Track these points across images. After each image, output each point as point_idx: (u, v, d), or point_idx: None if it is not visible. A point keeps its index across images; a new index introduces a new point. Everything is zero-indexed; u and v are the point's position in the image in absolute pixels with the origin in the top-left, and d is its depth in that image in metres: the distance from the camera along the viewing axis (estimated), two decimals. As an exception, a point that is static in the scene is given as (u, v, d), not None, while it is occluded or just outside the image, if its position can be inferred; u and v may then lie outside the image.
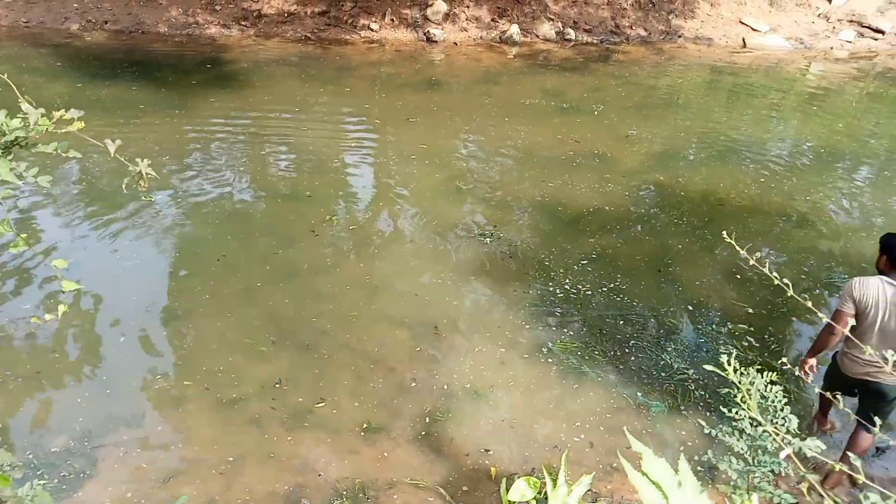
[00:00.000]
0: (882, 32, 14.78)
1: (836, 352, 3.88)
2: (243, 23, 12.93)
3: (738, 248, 2.11)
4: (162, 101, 9.31)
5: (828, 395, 2.30)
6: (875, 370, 3.56)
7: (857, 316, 3.52)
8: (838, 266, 6.19)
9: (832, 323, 3.36)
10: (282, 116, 9.19)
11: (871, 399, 3.68)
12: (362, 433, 4.12)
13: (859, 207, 7.63)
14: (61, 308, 2.16)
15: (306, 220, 6.52)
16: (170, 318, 5.06)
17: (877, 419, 1.71)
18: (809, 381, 3.86)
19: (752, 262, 2.09)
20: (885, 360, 1.79)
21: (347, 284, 5.56)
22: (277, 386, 4.44)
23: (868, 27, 14.86)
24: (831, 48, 14.39)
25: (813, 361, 3.80)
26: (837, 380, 3.78)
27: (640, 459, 1.32)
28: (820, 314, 2.10)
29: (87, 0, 13.06)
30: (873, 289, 3.51)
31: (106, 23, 12.64)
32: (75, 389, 4.36)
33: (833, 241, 6.65)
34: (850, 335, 3.42)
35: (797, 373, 2.96)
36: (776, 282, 1.95)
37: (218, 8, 13.12)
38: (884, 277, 3.54)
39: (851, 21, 14.94)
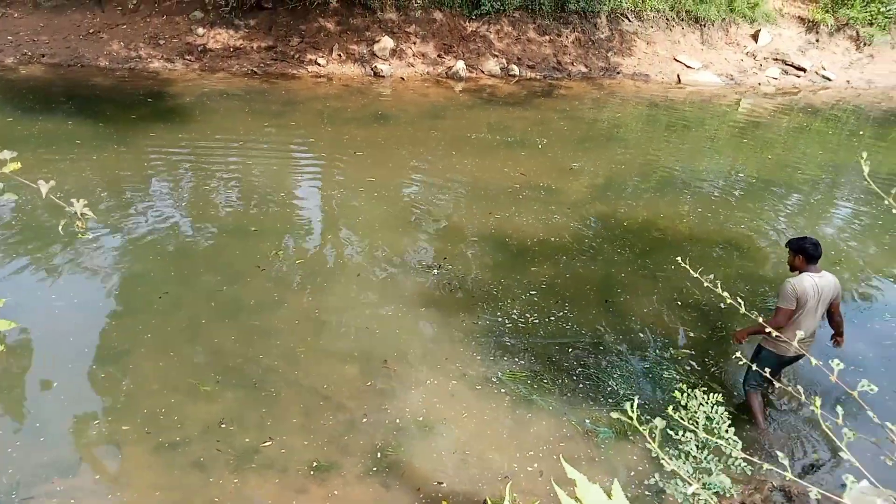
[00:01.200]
0: (804, 70, 15.70)
1: (762, 344, 4.59)
2: (188, 57, 12.81)
3: (693, 272, 2.20)
4: (100, 136, 9.09)
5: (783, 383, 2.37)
6: (806, 346, 4.39)
7: (796, 308, 4.28)
8: (773, 290, 6.44)
9: (781, 313, 4.27)
10: (226, 150, 9.09)
11: (789, 363, 4.60)
12: (312, 472, 4.03)
13: (791, 233, 7.99)
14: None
15: (252, 254, 6.42)
16: (108, 358, 4.88)
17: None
18: (739, 344, 4.85)
19: (706, 284, 2.18)
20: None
21: (295, 319, 5.48)
22: (222, 426, 4.31)
23: (791, 65, 15.77)
24: (759, 84, 15.19)
25: (743, 337, 4.63)
26: (772, 364, 4.47)
27: (574, 486, 1.34)
28: (764, 324, 2.20)
29: (23, 33, 12.74)
30: (808, 285, 4.29)
31: (43, 56, 12.32)
32: (5, 437, 4.14)
33: (767, 267, 6.94)
34: (787, 325, 4.26)
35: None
36: (727, 302, 2.03)
37: (161, 42, 12.98)
38: (809, 273, 4.34)
39: (776, 59, 15.83)
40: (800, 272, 4.39)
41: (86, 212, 2.83)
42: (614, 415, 2.09)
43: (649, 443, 2.09)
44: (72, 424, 4.26)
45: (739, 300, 2.09)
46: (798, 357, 4.47)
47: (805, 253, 4.37)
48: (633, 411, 1.87)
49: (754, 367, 3.86)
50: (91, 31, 12.92)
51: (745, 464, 2.47)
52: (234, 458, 4.08)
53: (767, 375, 2.73)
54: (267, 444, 4.20)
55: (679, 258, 2.74)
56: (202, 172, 8.33)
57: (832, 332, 4.72)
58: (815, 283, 4.31)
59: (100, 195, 7.40)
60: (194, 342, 5.11)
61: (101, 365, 4.81)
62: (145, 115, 10.12)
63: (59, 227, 2.67)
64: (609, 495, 2.04)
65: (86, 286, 5.79)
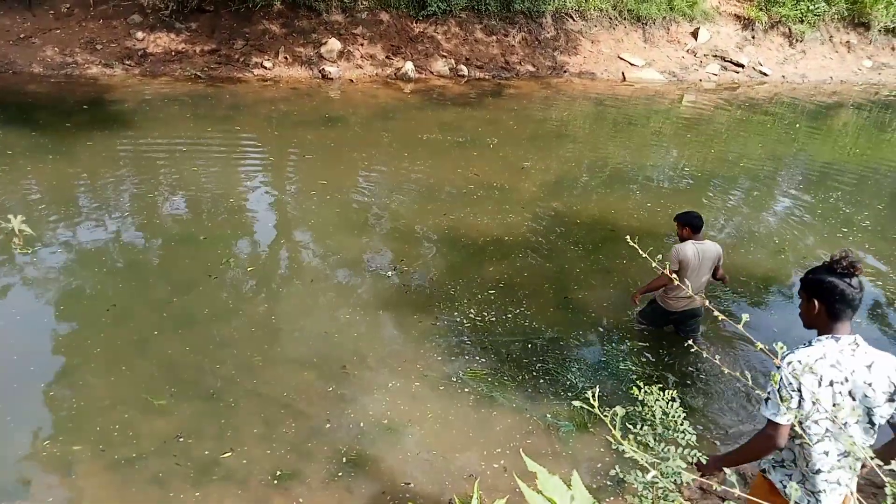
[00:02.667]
0: (742, 66, 16.28)
1: (654, 299, 5.49)
2: (127, 62, 12.45)
3: (641, 251, 2.26)
4: (33, 146, 8.75)
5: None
6: (690, 301, 5.22)
7: (680, 269, 5.05)
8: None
9: (664, 276, 4.54)
10: (171, 157, 8.88)
11: (688, 319, 5.41)
12: (274, 481, 3.98)
13: (736, 224, 8.29)
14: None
15: (202, 263, 6.30)
16: (56, 376, 4.71)
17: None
18: (636, 306, 5.54)
19: (654, 266, 2.25)
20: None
21: (251, 328, 5.40)
22: (180, 440, 4.22)
23: (730, 61, 16.33)
24: (700, 80, 15.68)
25: (638, 297, 5.40)
26: (659, 317, 5.51)
27: (535, 479, 1.38)
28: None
29: (-52, 39, 12.17)
30: (690, 251, 5.09)
31: (-30, 63, 11.79)
32: (-54, 464, 3.95)
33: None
34: (671, 285, 5.12)
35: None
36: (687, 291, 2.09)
37: (99, 47, 12.58)
38: (693, 241, 5.14)
39: (716, 56, 16.36)
40: (682, 240, 5.20)
41: (24, 228, 2.72)
42: (577, 403, 2.15)
43: (610, 430, 2.15)
44: (20, 447, 4.10)
45: (687, 283, 2.17)
46: (689, 314, 5.35)
47: (691, 224, 5.17)
48: (594, 399, 1.93)
49: (643, 318, 5.45)
50: (22, 35, 12.43)
51: (700, 454, 2.56)
52: (193, 471, 4.00)
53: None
54: (227, 455, 4.13)
55: (628, 238, 2.76)
56: (146, 181, 8.11)
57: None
58: (697, 250, 5.10)
59: (37, 208, 7.14)
60: (146, 355, 4.98)
61: (49, 383, 4.64)
62: (82, 122, 9.80)
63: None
64: (568, 486, 2.09)
65: (29, 302, 5.58)
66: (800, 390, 2.44)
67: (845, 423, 2.46)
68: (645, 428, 2.22)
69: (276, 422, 4.42)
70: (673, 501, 2.14)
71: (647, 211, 8.22)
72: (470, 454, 4.27)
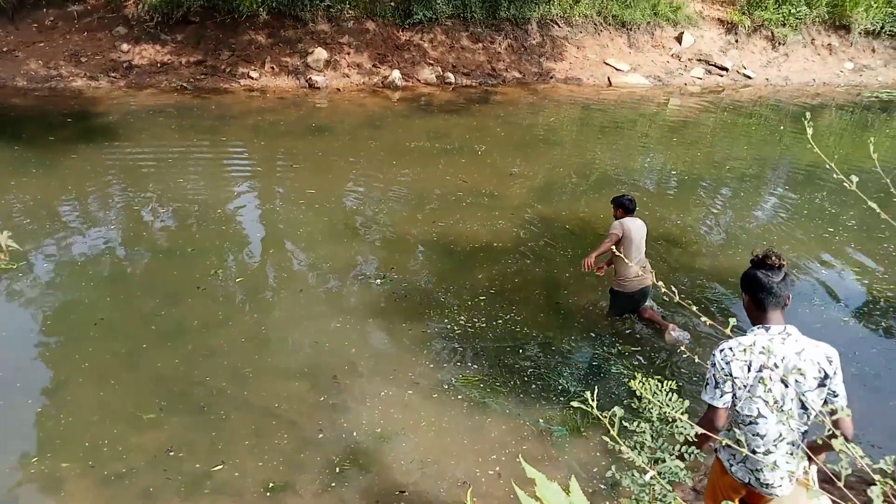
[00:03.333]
0: (726, 69, 16.43)
1: (614, 288, 5.75)
2: (112, 74, 12.39)
3: (632, 265, 2.26)
4: (16, 160, 8.67)
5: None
6: (642, 278, 5.49)
7: (624, 241, 5.43)
8: (709, 280, 6.70)
9: (611, 237, 5.42)
10: (158, 168, 8.83)
11: (643, 297, 5.72)
12: (267, 493, 3.95)
13: (722, 226, 8.34)
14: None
15: (191, 274, 6.26)
16: (43, 392, 4.66)
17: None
18: (585, 269, 5.60)
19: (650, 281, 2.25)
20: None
21: (241, 338, 5.36)
22: (170, 453, 4.18)
23: (714, 65, 16.47)
24: (685, 84, 15.80)
25: (591, 260, 5.53)
26: (625, 302, 5.73)
27: (534, 485, 1.37)
28: (699, 314, 2.30)
29: (-70, 54, 12.07)
30: (630, 223, 5.51)
31: (-47, 77, 11.70)
32: (-68, 483, 3.89)
33: (703, 259, 7.21)
34: (621, 265, 5.49)
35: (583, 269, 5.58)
36: (674, 300, 2.10)
37: (83, 59, 12.52)
38: (630, 218, 5.57)
39: (700, 60, 16.51)
40: (616, 218, 5.63)
41: (10, 243, 2.69)
42: (575, 404, 2.14)
43: (608, 430, 2.14)
44: (7, 464, 4.04)
45: (673, 289, 2.18)
46: (644, 291, 5.66)
47: (624, 206, 5.64)
48: (592, 400, 1.92)
49: (613, 308, 5.75)
50: (5, 49, 12.35)
51: (698, 451, 2.56)
52: (184, 485, 3.96)
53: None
54: (218, 468, 4.10)
55: (613, 247, 2.98)
56: (132, 193, 8.06)
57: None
58: (634, 224, 5.56)
59: (21, 222, 7.07)
60: (135, 369, 4.94)
61: (36, 399, 4.59)
62: (67, 136, 9.73)
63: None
64: (567, 492, 2.08)
65: (15, 318, 5.52)
66: (731, 375, 2.66)
67: (781, 409, 2.64)
68: (643, 425, 2.21)
69: (268, 433, 4.39)
70: (671, 502, 2.14)
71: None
72: (464, 461, 4.26)
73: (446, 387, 4.92)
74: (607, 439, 2.31)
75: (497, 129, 11.56)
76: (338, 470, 4.13)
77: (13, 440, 4.23)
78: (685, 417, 2.55)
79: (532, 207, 8.28)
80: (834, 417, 2.28)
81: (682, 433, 2.48)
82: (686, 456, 2.49)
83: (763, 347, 2.61)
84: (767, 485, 2.79)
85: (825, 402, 2.64)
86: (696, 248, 7.50)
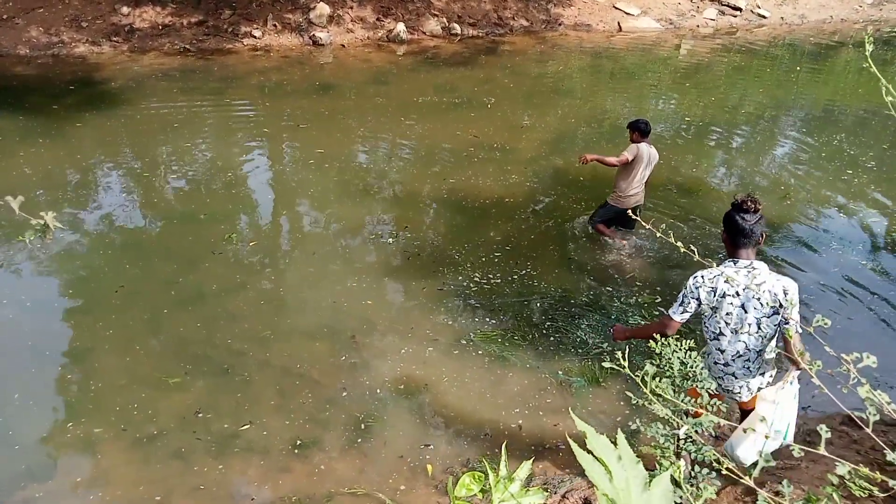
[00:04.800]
0: (739, 9, 15.99)
1: (609, 201, 6.15)
2: (114, 38, 12.26)
3: (643, 223, 2.27)
4: (22, 131, 8.65)
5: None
6: (637, 197, 6.05)
7: (634, 162, 5.84)
8: (720, 228, 6.65)
9: (622, 157, 5.84)
10: (164, 133, 8.81)
11: (635, 213, 5.94)
12: (295, 450, 4.06)
13: (739, 172, 8.26)
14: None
15: (206, 240, 6.31)
16: (72, 359, 4.77)
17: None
18: (580, 162, 6.16)
19: (658, 235, 2.26)
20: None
21: (259, 301, 5.44)
22: (199, 415, 4.29)
23: (727, 5, 16.03)
24: (697, 26, 15.42)
25: (589, 158, 6.03)
26: (615, 215, 6.17)
27: (584, 438, 1.40)
28: (711, 263, 2.32)
29: (-71, 24, 11.96)
30: (645, 149, 5.87)
31: (-46, 48, 11.62)
32: (-28, 450, 4.03)
33: (718, 206, 7.16)
34: (625, 181, 5.95)
35: (578, 163, 6.26)
36: (682, 249, 2.11)
37: (84, 24, 12.37)
38: (644, 143, 5.88)
39: (713, 0, 16.05)
40: (634, 142, 5.92)
41: (56, 223, 2.70)
42: (606, 365, 2.17)
43: (628, 380, 2.18)
44: (43, 430, 4.17)
45: (693, 248, 2.18)
46: (635, 209, 6.03)
47: (640, 130, 5.90)
48: (624, 360, 1.95)
49: (597, 216, 6.25)
50: (4, 17, 12.21)
51: (721, 403, 2.60)
52: (214, 445, 4.08)
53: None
54: (246, 427, 4.21)
55: (630, 211, 3.10)
56: (141, 159, 8.07)
57: None
58: (648, 150, 5.91)
59: (34, 193, 7.11)
60: (158, 334, 5.03)
61: (66, 367, 4.70)
62: (71, 104, 9.68)
63: (26, 239, 2.59)
64: (615, 444, 2.13)
65: (37, 288, 5.62)
66: (698, 298, 3.20)
67: (739, 328, 3.14)
68: (664, 381, 2.25)
69: (292, 393, 4.49)
70: (707, 453, 2.19)
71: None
72: (484, 414, 4.34)
73: (465, 342, 4.98)
74: (629, 394, 2.35)
75: (506, 81, 11.39)
76: (363, 426, 4.23)
77: (46, 407, 4.36)
78: (705, 373, 2.60)
79: (544, 160, 8.23)
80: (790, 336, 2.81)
81: (703, 388, 2.53)
82: (708, 409, 2.53)
83: (728, 277, 3.09)
84: (728, 391, 3.33)
85: (779, 326, 3.09)
86: (710, 194, 7.45)
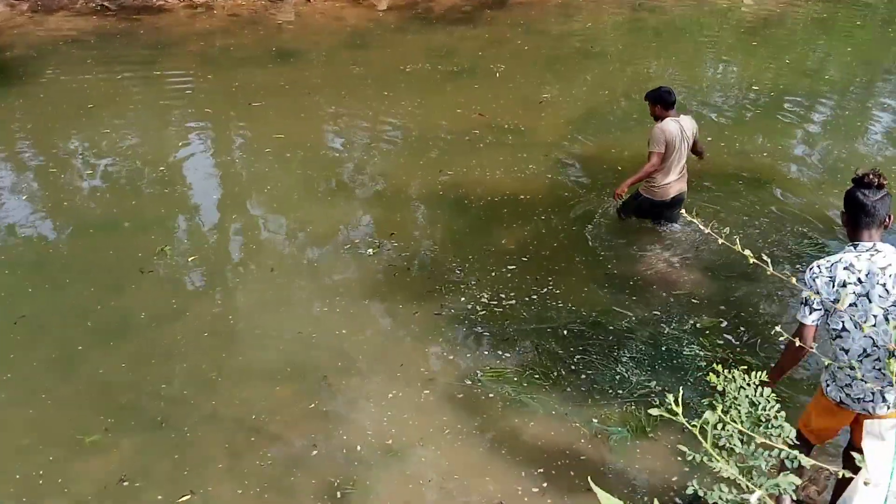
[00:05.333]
0: (820, -55, 16.09)
1: (640, 191, 6.32)
2: (9, -5, 12.33)
3: (703, 227, 2.28)
4: None
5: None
6: (679, 184, 6.21)
7: (666, 150, 5.94)
8: (805, 226, 6.67)
9: (654, 157, 5.96)
10: (77, 118, 8.85)
11: (677, 207, 6.25)
12: (250, 528, 4.06)
13: (822, 155, 8.29)
14: None
15: (132, 254, 6.32)
16: (-44, 412, 4.77)
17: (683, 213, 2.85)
18: (618, 201, 6.47)
19: (721, 241, 2.27)
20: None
21: (202, 333, 5.45)
22: (124, 483, 4.29)
23: (804, -60, 16.13)
24: (766, -31, 15.51)
25: (624, 190, 6.23)
26: (647, 210, 6.44)
27: None
28: (801, 287, 2.32)
29: None
30: (673, 128, 5.95)
31: None
32: None
33: (798, 200, 7.18)
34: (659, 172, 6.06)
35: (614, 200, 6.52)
36: (751, 261, 2.12)
37: (-31, -23, 12.44)
38: (671, 118, 5.97)
39: (784, -66, 16.16)
40: (662, 119, 6.00)
41: None
42: (653, 412, 2.17)
43: (683, 430, 2.17)
44: (-82, 505, 4.17)
45: (765, 258, 2.19)
46: (677, 199, 6.26)
47: (663, 101, 6.00)
48: (678, 405, 1.94)
49: (627, 211, 6.52)
50: None
51: (800, 453, 2.59)
52: (144, 522, 4.08)
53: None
54: (185, 498, 4.20)
55: (683, 211, 3.08)
56: (45, 151, 8.11)
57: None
58: (680, 126, 5.99)
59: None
60: (71, 378, 5.04)
61: (-52, 422, 4.70)
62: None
63: None
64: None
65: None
66: (818, 292, 3.33)
67: (863, 321, 3.28)
68: (727, 428, 2.24)
69: (246, 451, 4.49)
70: None
71: (707, 147, 8.18)
72: (500, 476, 4.34)
73: (470, 383, 4.99)
74: (685, 448, 2.35)
75: (519, 42, 11.45)
76: (339, 495, 4.22)
77: (-76, 475, 4.35)
78: (782, 417, 2.59)
79: (571, 145, 8.26)
80: None
81: (780, 436, 2.52)
82: (787, 463, 2.52)
83: (848, 263, 3.28)
84: (859, 399, 3.42)
85: None
86: (788, 186, 7.47)
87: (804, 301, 3.40)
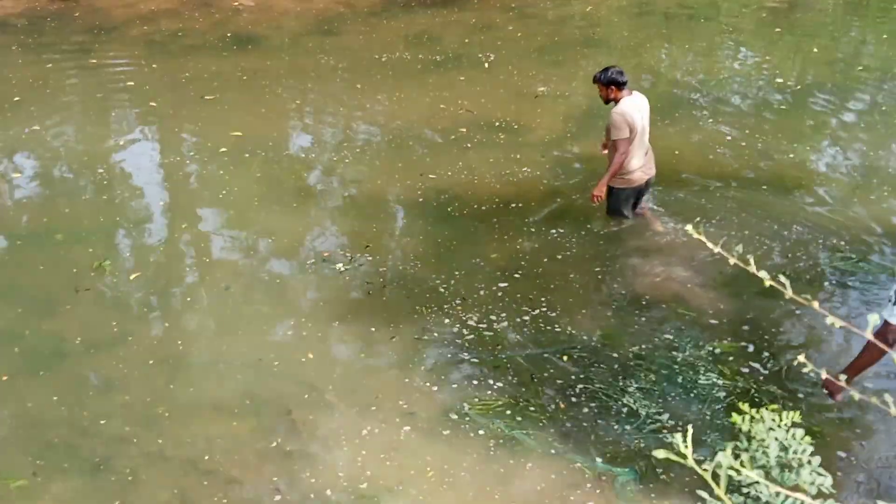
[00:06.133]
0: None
1: (614, 186, 6.61)
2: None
3: (711, 245, 2.29)
4: None
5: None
6: (649, 168, 6.68)
7: (630, 135, 6.30)
8: (837, 238, 6.72)
9: (622, 144, 6.33)
10: (6, 115, 8.81)
11: (645, 190, 6.85)
12: (202, 586, 4.04)
13: (855, 156, 8.36)
14: None
15: (65, 269, 6.30)
16: None
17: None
18: (598, 203, 6.72)
19: (732, 262, 2.28)
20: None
21: (147, 360, 5.43)
22: (56, 534, 4.26)
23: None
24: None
25: (602, 193, 6.57)
26: (626, 200, 6.74)
27: None
28: (826, 313, 2.31)
29: None
30: (632, 109, 6.34)
31: None
32: None
33: (828, 208, 7.23)
34: (628, 158, 6.42)
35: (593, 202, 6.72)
36: (766, 283, 2.13)
37: None
38: (626, 99, 6.37)
39: None
40: (617, 101, 6.40)
41: None
42: (659, 454, 2.17)
43: (694, 476, 2.18)
44: None
45: (783, 279, 2.21)
46: (648, 182, 6.76)
47: (616, 83, 6.36)
48: (686, 444, 1.95)
49: (614, 205, 6.75)
50: None
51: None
52: (79, 580, 4.06)
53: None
54: (128, 552, 4.19)
55: (690, 226, 2.90)
56: (-30, 150, 8.07)
57: None
58: (637, 105, 6.43)
59: None
60: (-6, 413, 5.01)
61: None
62: None
63: None
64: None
65: None
66: None
67: None
68: (751, 468, 2.26)
69: (199, 498, 4.46)
70: None
71: (725, 147, 8.29)
72: (488, 525, 4.34)
73: (456, 417, 4.99)
74: (702, 493, 2.37)
75: (510, 28, 11.52)
76: (304, 547, 4.22)
77: None
78: (816, 461, 2.60)
79: (570, 143, 8.30)
80: None
81: (812, 483, 2.54)
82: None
83: None
84: None
85: None
86: (817, 194, 7.53)
87: (891, 299, 3.73)
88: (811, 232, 6.90)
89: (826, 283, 6.29)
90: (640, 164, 6.58)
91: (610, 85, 6.38)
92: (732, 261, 2.34)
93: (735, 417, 2.44)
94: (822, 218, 7.09)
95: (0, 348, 5.50)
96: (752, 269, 2.19)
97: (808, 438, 2.53)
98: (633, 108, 6.39)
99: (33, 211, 7.15)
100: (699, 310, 5.96)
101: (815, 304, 2.40)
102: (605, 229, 6.88)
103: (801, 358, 2.94)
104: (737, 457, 2.29)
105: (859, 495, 4.41)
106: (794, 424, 2.51)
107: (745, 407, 2.56)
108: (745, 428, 2.45)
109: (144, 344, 5.58)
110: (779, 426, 2.49)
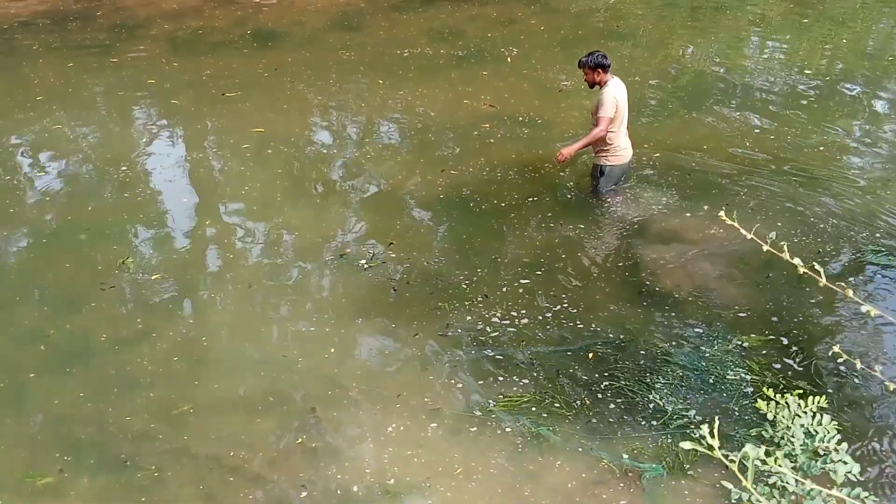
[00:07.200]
0: None
1: (605, 164, 7.08)
2: (-54, -29, 12.43)
3: (743, 230, 2.30)
4: None
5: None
6: (629, 148, 7.17)
7: (616, 115, 6.80)
8: (865, 230, 6.67)
9: (604, 122, 6.75)
10: (29, 114, 8.90)
11: (629, 167, 7.34)
12: (228, 582, 4.08)
13: (888, 149, 8.28)
14: None
15: (90, 267, 6.37)
16: None
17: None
18: (560, 162, 7.04)
19: (766, 248, 2.28)
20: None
21: (171, 357, 5.47)
22: (83, 531, 4.31)
23: None
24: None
25: (570, 154, 6.95)
26: (619, 175, 7.22)
27: None
28: (860, 301, 2.30)
29: None
30: (619, 91, 6.89)
31: None
32: None
33: (860, 201, 7.17)
34: (613, 136, 6.93)
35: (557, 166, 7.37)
36: (801, 270, 2.13)
37: None
38: (613, 81, 6.87)
39: None
40: (602, 84, 6.88)
41: None
42: (685, 445, 2.17)
43: (727, 467, 2.18)
44: None
45: (818, 267, 2.20)
46: (630, 163, 7.28)
47: (603, 66, 6.85)
48: (714, 437, 1.96)
49: (605, 186, 7.18)
50: None
51: (868, 495, 2.60)
52: (107, 576, 4.10)
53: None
54: (154, 549, 4.23)
55: (723, 210, 2.85)
56: (-5, 150, 8.16)
57: None
58: (621, 88, 6.94)
59: None
60: (20, 410, 5.07)
61: None
62: None
63: None
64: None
65: None
66: None
67: None
68: (779, 461, 2.25)
69: (224, 494, 4.49)
70: None
71: (753, 140, 8.25)
72: (514, 521, 4.35)
73: (482, 414, 5.00)
74: (729, 485, 2.36)
75: (533, 22, 11.49)
76: (330, 543, 4.24)
77: None
78: (843, 448, 2.59)
79: (594, 138, 8.28)
80: None
81: (836, 472, 2.53)
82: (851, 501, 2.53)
83: None
84: None
85: None
86: (847, 186, 7.47)
87: None
88: (842, 224, 6.84)
89: (859, 276, 6.24)
90: (626, 144, 7.12)
91: (597, 68, 6.86)
92: (765, 248, 2.33)
93: (760, 403, 2.42)
94: (853, 211, 7.04)
95: (26, 346, 5.56)
96: (786, 255, 2.19)
97: (834, 425, 2.51)
98: (621, 90, 6.93)
99: (57, 209, 7.22)
100: (727, 303, 5.94)
101: (850, 293, 2.40)
102: (626, 224, 6.87)
103: (836, 348, 2.93)
104: (764, 444, 2.28)
105: (891, 490, 4.39)
106: (820, 409, 2.49)
107: (770, 392, 2.54)
108: (770, 415, 2.43)
109: (169, 341, 5.63)
110: (804, 412, 2.47)
